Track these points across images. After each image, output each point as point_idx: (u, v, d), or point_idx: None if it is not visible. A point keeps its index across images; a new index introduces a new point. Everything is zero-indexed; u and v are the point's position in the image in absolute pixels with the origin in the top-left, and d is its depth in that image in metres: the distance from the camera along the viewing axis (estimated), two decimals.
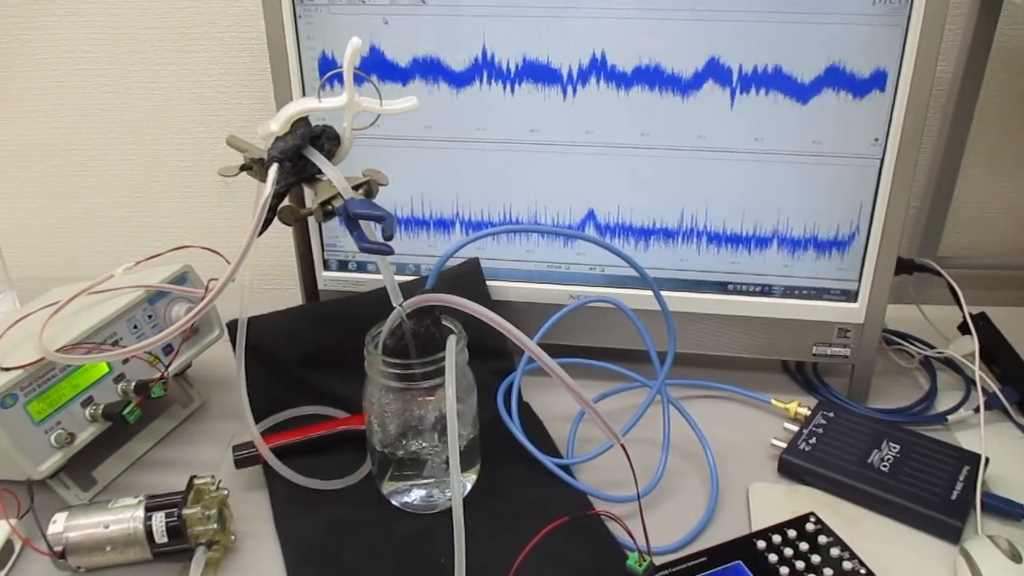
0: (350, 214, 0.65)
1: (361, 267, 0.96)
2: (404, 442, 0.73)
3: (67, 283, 0.88)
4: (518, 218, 0.91)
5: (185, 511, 0.69)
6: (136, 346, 0.73)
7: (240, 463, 0.80)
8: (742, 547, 0.69)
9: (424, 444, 0.73)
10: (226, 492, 0.73)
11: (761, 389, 0.92)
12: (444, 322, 0.72)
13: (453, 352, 0.67)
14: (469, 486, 0.77)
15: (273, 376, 0.86)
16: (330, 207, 0.66)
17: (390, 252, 0.66)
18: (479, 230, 0.92)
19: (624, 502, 0.76)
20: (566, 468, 0.79)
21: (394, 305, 0.70)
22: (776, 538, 0.69)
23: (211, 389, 0.96)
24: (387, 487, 0.76)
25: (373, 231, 0.67)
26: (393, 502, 0.76)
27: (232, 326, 0.83)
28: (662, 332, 0.86)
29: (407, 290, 0.70)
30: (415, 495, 0.75)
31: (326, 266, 0.97)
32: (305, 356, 0.86)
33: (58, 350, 0.73)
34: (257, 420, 0.83)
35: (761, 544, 0.69)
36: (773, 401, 0.89)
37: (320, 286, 0.97)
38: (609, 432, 0.65)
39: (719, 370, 0.97)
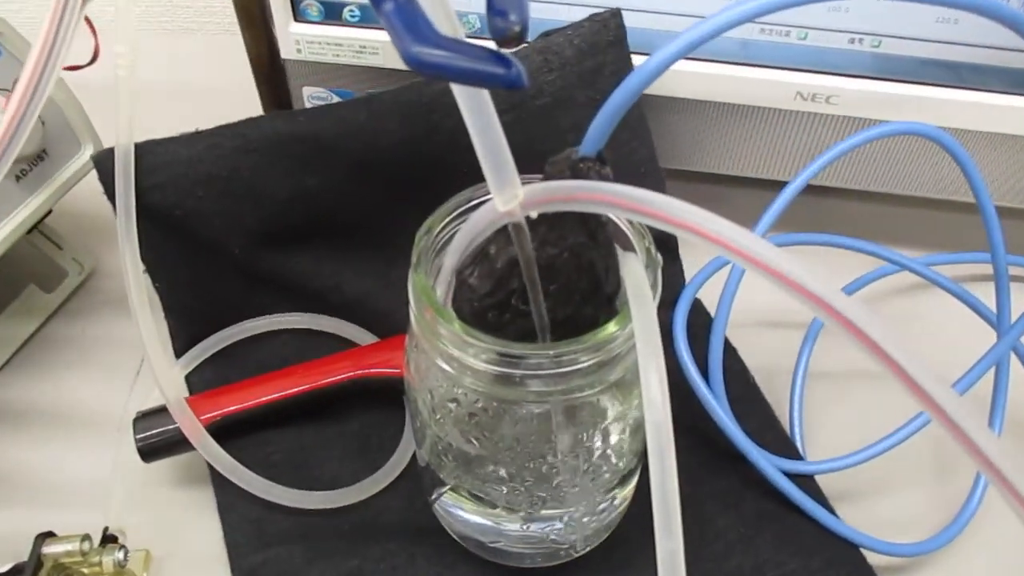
0: None
1: (368, 18, 0.48)
2: (491, 467, 0.33)
3: None
4: None
5: None
6: None
7: (150, 452, 0.40)
8: None
9: (538, 464, 0.33)
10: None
11: None
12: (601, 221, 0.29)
13: (649, 307, 0.25)
14: (614, 516, 0.38)
15: (206, 263, 0.43)
16: None
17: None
18: None
19: (917, 555, 0.39)
20: (804, 483, 0.40)
21: (497, 199, 0.26)
22: None
23: (104, 253, 0.52)
24: (450, 499, 0.37)
25: None
26: (452, 533, 0.38)
27: (103, 162, 0.39)
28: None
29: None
30: (508, 532, 0.36)
31: (297, 13, 0.48)
32: (264, 224, 0.42)
33: None
34: (180, 351, 0.42)
35: None
36: None
37: (286, 55, 0.50)
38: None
39: None
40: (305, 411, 0.42)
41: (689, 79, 0.46)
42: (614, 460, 0.33)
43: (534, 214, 0.26)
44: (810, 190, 0.42)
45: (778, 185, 0.41)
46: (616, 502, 0.36)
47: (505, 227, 0.27)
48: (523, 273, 0.27)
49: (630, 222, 0.30)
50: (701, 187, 0.55)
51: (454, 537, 0.38)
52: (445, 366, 0.29)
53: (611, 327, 0.28)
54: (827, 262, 0.50)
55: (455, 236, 0.28)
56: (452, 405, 0.31)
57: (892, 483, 0.43)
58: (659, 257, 0.29)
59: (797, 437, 0.43)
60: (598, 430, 0.31)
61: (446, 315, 0.28)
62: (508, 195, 0.25)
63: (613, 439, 0.32)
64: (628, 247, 0.30)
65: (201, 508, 0.41)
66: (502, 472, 0.32)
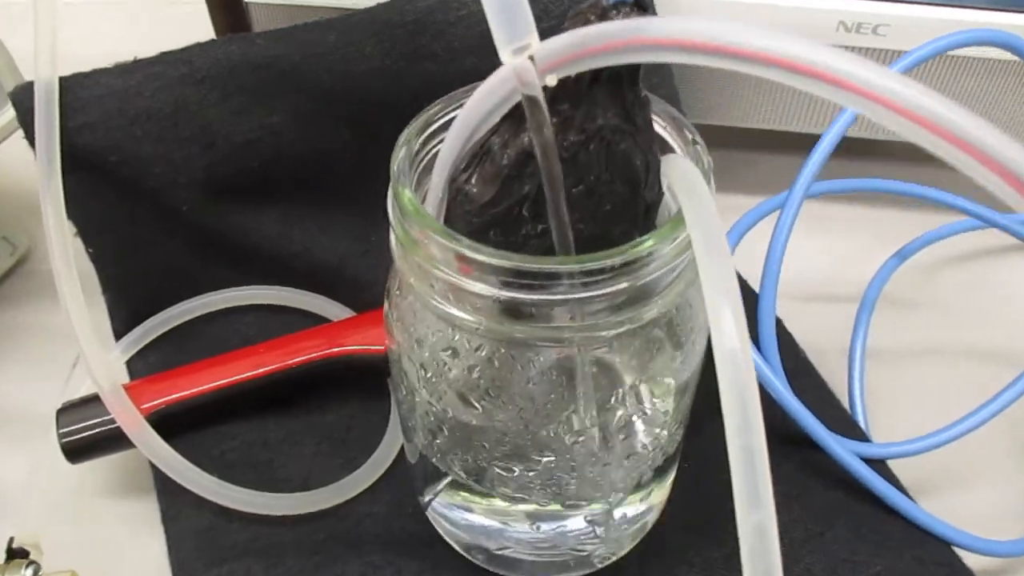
0: None
1: None
2: (497, 443, 0.25)
3: None
4: None
5: None
6: None
7: (77, 451, 0.33)
8: None
9: (557, 434, 0.26)
10: None
11: None
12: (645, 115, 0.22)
13: (707, 207, 0.19)
14: (650, 517, 0.31)
15: (148, 223, 0.36)
16: None
17: None
18: None
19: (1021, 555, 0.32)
20: (878, 469, 0.33)
21: (500, 55, 0.19)
22: None
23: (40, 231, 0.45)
24: (447, 499, 0.30)
25: None
26: (451, 541, 0.31)
27: (21, 99, 0.33)
28: None
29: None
30: (519, 536, 0.29)
31: None
32: (217, 173, 0.35)
33: None
34: (121, 332, 0.35)
35: None
36: None
37: None
38: None
39: None
40: (269, 400, 0.35)
41: (719, 7, 0.40)
42: (651, 433, 0.26)
43: (552, 80, 0.19)
44: (854, 145, 0.36)
45: (815, 141, 0.34)
46: (651, 498, 0.29)
47: (513, 112, 0.20)
48: (540, 166, 0.20)
49: (672, 117, 0.23)
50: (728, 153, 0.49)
51: (453, 546, 0.31)
52: (439, 303, 0.22)
53: (652, 240, 0.21)
54: (891, 217, 0.43)
55: (448, 132, 0.21)
56: (448, 357, 0.24)
57: (969, 472, 0.36)
58: (710, 162, 0.23)
59: (860, 419, 0.36)
60: (632, 389, 0.24)
61: (438, 227, 0.21)
62: (519, 46, 0.18)
63: (651, 402, 0.25)
64: (668, 149, 0.23)
65: (141, 520, 0.33)
66: (511, 448, 0.25)
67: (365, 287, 0.37)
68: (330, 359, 0.35)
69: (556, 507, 0.27)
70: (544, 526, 0.28)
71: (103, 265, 0.36)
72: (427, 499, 0.31)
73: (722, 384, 0.18)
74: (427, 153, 0.24)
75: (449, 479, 0.28)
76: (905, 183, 0.40)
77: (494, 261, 0.20)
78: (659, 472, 0.28)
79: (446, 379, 0.24)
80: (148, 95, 0.33)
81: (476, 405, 0.24)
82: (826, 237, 0.45)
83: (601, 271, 0.20)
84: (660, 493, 0.30)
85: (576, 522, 0.28)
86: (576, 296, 0.20)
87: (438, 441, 0.26)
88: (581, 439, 0.24)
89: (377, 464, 0.34)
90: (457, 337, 0.23)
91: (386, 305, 0.25)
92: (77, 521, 0.33)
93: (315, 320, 0.38)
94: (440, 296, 0.22)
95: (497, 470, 0.25)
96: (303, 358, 0.34)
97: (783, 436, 0.33)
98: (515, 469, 0.25)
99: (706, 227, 0.19)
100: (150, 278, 0.36)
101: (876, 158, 0.49)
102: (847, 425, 0.34)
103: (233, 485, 0.32)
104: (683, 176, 0.21)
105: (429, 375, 0.24)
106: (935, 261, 0.44)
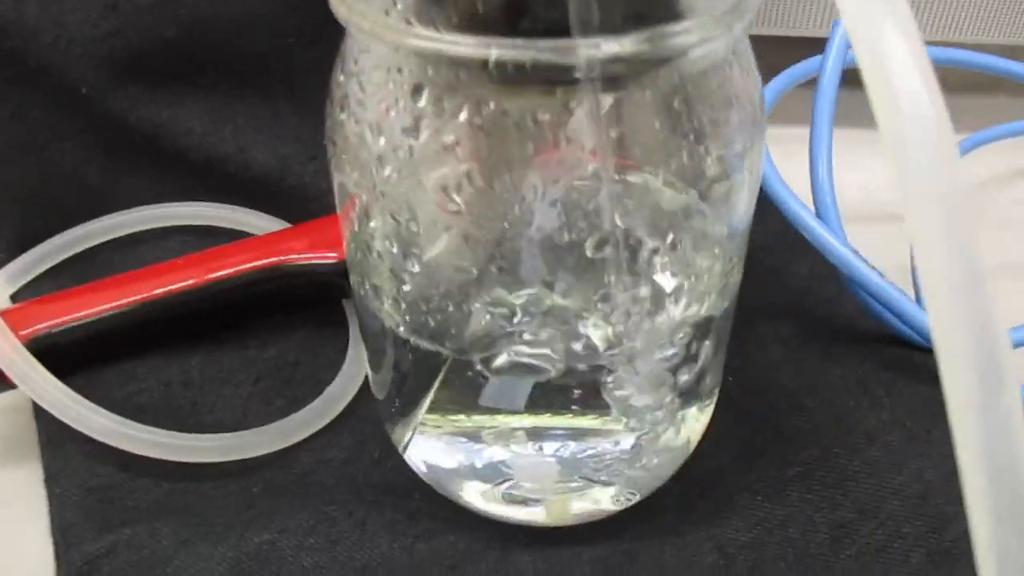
0: None
1: None
2: (491, 293, 0.18)
3: None
4: None
5: None
6: None
7: None
8: None
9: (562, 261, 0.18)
10: None
11: None
12: None
13: None
14: (687, 435, 0.23)
15: (38, 114, 0.29)
16: None
17: None
18: None
19: None
20: None
21: None
22: None
23: None
24: (430, 431, 0.22)
25: None
26: (435, 484, 0.23)
27: None
28: None
29: None
30: (520, 462, 0.21)
31: None
32: (123, 43, 0.28)
33: None
34: (5, 259, 0.28)
35: None
36: None
37: None
38: None
39: None
40: (190, 331, 0.27)
41: None
42: (687, 290, 0.19)
43: None
44: None
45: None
46: (688, 421, 0.22)
47: None
48: None
49: None
50: None
51: (438, 491, 0.23)
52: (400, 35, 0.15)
53: None
54: None
55: None
56: (411, 139, 0.16)
57: None
58: None
59: None
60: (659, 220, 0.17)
61: None
62: None
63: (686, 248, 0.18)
64: None
65: (19, 485, 0.25)
66: (510, 279, 0.17)
67: (313, 198, 0.30)
68: (267, 271, 0.27)
69: (565, 417, 0.20)
70: (548, 447, 0.21)
71: None
72: (407, 440, 0.23)
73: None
74: None
75: (431, 397, 0.21)
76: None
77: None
78: (690, 395, 0.21)
79: (410, 166, 0.16)
80: None
81: (456, 201, 0.16)
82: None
83: None
84: (697, 412, 0.23)
85: (594, 442, 0.20)
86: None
87: (400, 291, 0.19)
88: (605, 250, 0.17)
89: (333, 400, 0.26)
90: (424, 100, 0.16)
91: (328, 112, 0.18)
92: None
93: None
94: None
95: (479, 339, 0.18)
96: (232, 271, 0.27)
97: (853, 334, 0.26)
98: (518, 318, 0.18)
99: None
100: (41, 191, 0.29)
101: None
102: None
103: (140, 424, 0.24)
104: None
105: (387, 173, 0.17)
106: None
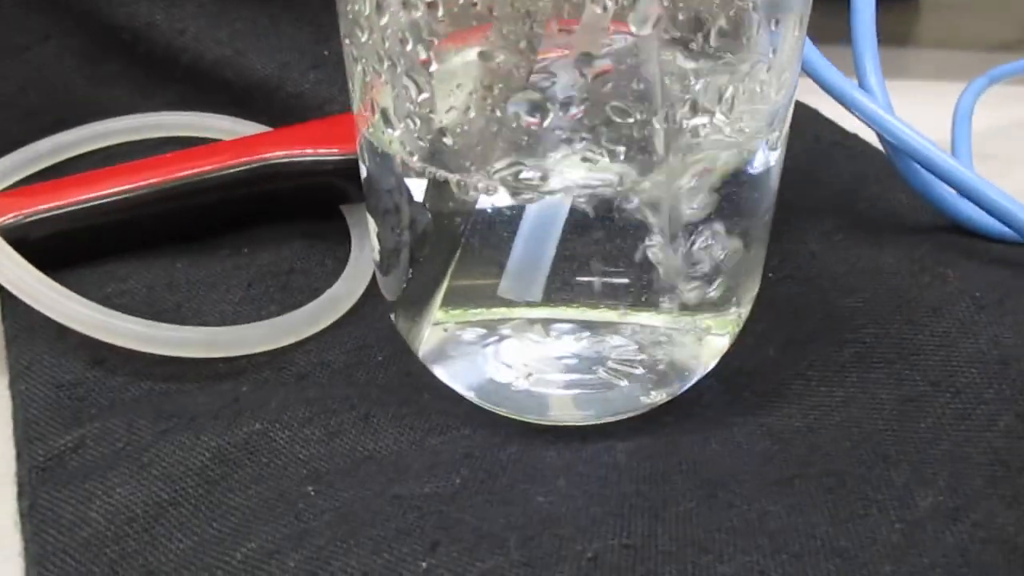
0: None
1: None
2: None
3: None
4: None
5: None
6: None
7: None
8: None
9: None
10: None
11: None
12: None
13: None
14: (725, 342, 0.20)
15: (4, 10, 0.27)
16: None
17: None
18: None
19: None
20: None
21: None
22: None
23: None
24: (444, 318, 0.19)
25: None
26: (453, 383, 0.20)
27: None
28: None
29: None
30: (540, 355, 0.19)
31: None
32: None
33: None
34: None
35: None
36: None
37: None
38: None
39: None
40: (179, 231, 0.25)
41: None
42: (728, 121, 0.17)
43: None
44: None
45: None
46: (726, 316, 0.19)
47: None
48: None
49: None
50: None
51: (455, 389, 0.20)
52: None
53: None
54: None
55: None
56: None
57: None
58: None
59: None
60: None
61: None
62: None
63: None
64: None
65: None
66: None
67: (314, 107, 0.28)
68: (264, 167, 0.25)
69: (584, 309, 0.17)
70: (567, 340, 0.18)
71: None
72: (423, 333, 0.20)
73: None
74: None
75: (445, 287, 0.18)
76: None
77: None
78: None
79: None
80: None
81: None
82: None
83: None
84: (730, 316, 0.20)
85: (615, 335, 0.18)
86: None
87: (426, 132, 0.16)
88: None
89: (335, 300, 0.24)
90: None
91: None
92: None
93: None
94: None
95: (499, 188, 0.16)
96: (218, 166, 0.25)
97: (902, 225, 0.24)
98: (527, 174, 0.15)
99: None
100: (16, 97, 0.27)
101: None
102: None
103: (119, 312, 0.21)
104: None
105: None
106: None
